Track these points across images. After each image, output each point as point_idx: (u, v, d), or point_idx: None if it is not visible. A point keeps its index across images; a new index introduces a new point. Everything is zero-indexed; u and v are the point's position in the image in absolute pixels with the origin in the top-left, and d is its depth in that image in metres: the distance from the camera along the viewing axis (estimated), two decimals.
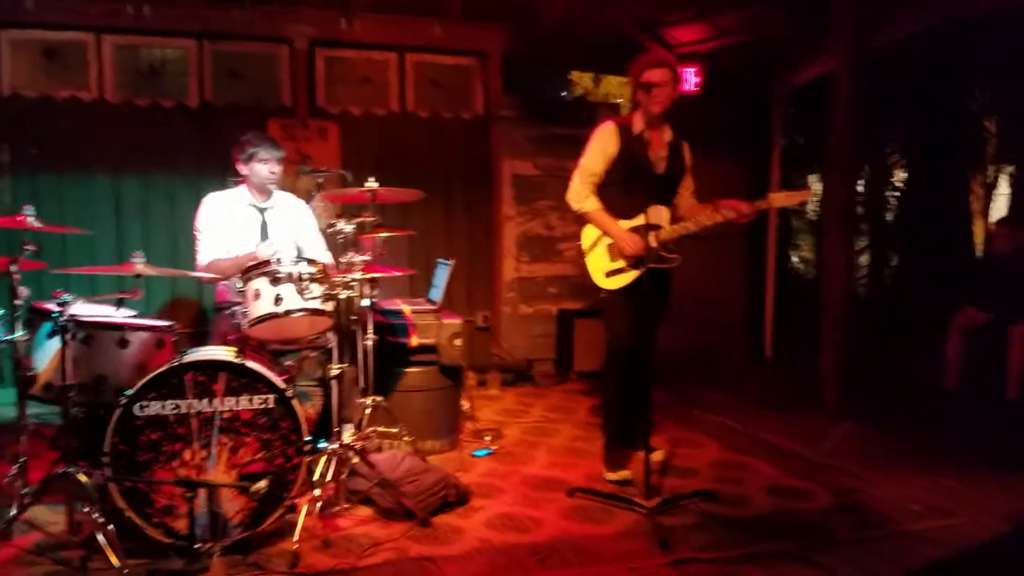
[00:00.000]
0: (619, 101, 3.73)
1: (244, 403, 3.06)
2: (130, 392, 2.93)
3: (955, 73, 6.78)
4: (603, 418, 4.01)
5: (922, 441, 4.32)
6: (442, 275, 4.52)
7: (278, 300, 3.22)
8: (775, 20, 5.74)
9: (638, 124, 3.75)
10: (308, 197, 4.35)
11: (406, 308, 4.31)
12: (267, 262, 3.28)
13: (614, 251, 3.74)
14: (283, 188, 4.18)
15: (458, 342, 4.27)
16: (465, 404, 4.56)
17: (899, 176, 8.08)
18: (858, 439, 4.40)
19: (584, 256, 3.86)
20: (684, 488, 3.64)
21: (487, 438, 4.43)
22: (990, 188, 7.60)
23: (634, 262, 3.67)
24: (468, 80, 6.30)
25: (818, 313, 5.06)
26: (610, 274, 3.76)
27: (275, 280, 3.23)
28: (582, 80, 8.06)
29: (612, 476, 3.79)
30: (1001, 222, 5.47)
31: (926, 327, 5.87)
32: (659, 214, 3.67)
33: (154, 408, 2.96)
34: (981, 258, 7.08)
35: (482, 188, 6.30)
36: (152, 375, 2.97)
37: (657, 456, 3.80)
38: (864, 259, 8.07)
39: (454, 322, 4.31)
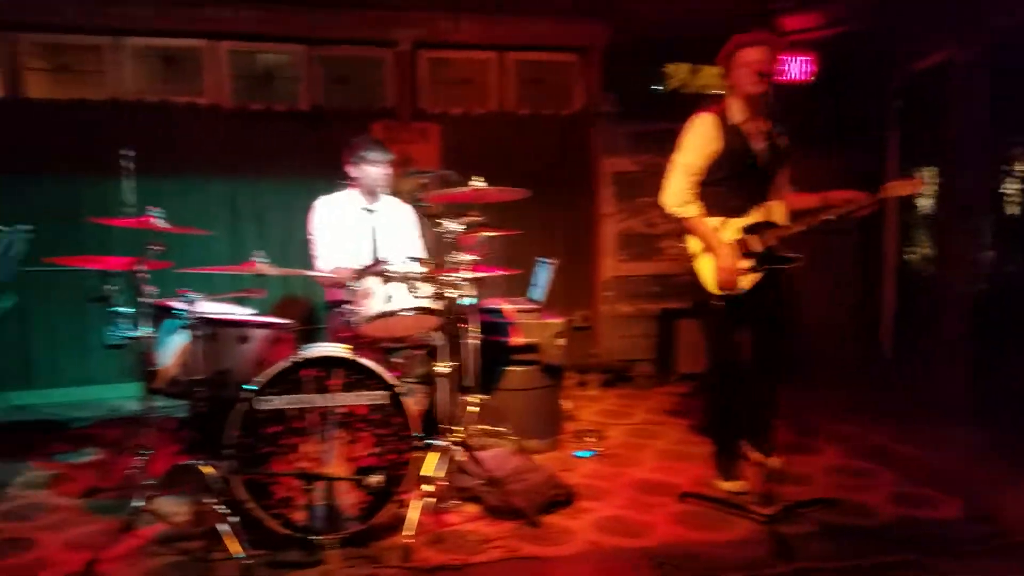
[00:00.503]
0: (719, 93, 3.60)
1: (358, 399, 3.12)
2: (252, 387, 3.02)
3: None
4: (711, 425, 3.88)
5: None
6: (543, 274, 4.49)
7: (389, 299, 3.26)
8: (891, 6, 5.48)
9: (735, 113, 3.53)
10: (410, 198, 4.40)
11: (508, 307, 4.30)
12: (379, 261, 3.34)
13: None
14: (387, 189, 4.26)
15: (560, 341, 4.25)
16: (566, 404, 4.52)
17: (1021, 168, 7.57)
18: (986, 445, 4.14)
19: (693, 259, 3.63)
20: (800, 495, 3.51)
21: (589, 439, 4.39)
22: None
23: (753, 264, 3.50)
24: (568, 77, 6.27)
25: (938, 312, 4.80)
26: None
27: (386, 279, 3.28)
28: (677, 72, 7.90)
29: (725, 486, 3.66)
30: None
31: None
32: (769, 211, 3.49)
33: (275, 402, 3.05)
34: None
35: (580, 186, 6.25)
36: (273, 371, 3.06)
37: (774, 463, 3.63)
38: (982, 255, 7.60)
39: (556, 321, 4.29)
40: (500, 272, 3.80)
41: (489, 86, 6.14)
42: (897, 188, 3.40)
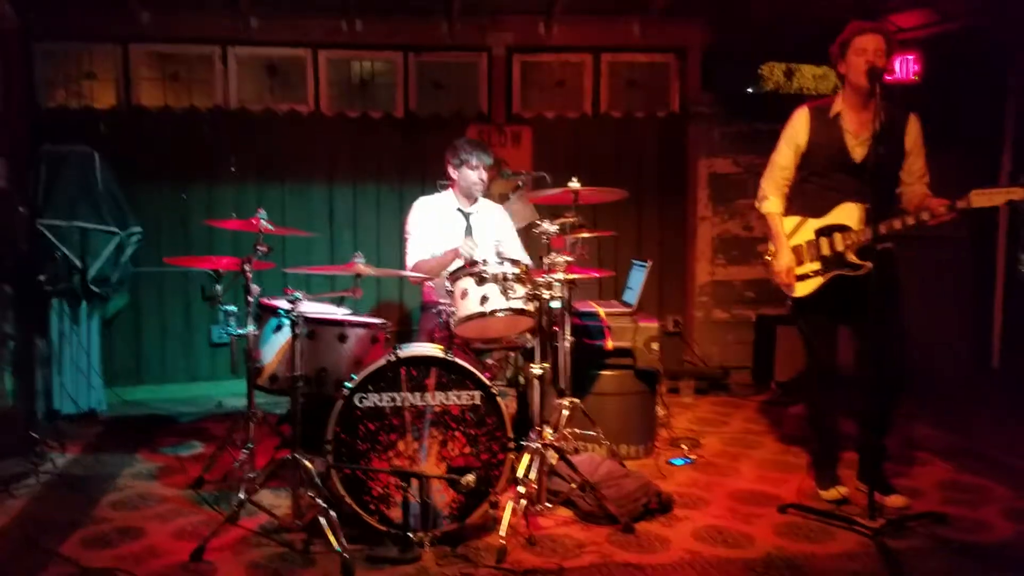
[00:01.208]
0: (824, 94, 3.48)
1: (453, 399, 3.14)
2: (351, 384, 3.08)
3: None
4: (810, 432, 3.74)
5: None
6: (638, 277, 4.43)
7: (484, 300, 3.28)
8: (1003, 2, 5.18)
9: (837, 104, 3.40)
10: (503, 200, 4.43)
11: (601, 310, 4.26)
12: (474, 263, 3.36)
13: (798, 253, 3.47)
14: (483, 192, 4.29)
15: (655, 346, 4.17)
16: (661, 411, 4.44)
17: None
18: None
19: (773, 259, 3.56)
20: (911, 509, 3.34)
21: (684, 447, 4.29)
22: None
23: (820, 268, 3.39)
24: (664, 78, 6.19)
25: None
26: (797, 279, 3.49)
27: (481, 280, 3.30)
28: (773, 74, 7.68)
29: (827, 495, 3.51)
30: None
31: None
32: (849, 213, 3.32)
33: (372, 400, 3.10)
34: None
35: (675, 188, 6.15)
36: (371, 369, 3.11)
37: (896, 502, 3.42)
38: None
39: (650, 325, 4.21)
40: (594, 274, 3.76)
41: (584, 89, 6.12)
42: (987, 198, 3.12)
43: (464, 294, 3.34)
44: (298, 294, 3.16)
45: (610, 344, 4.18)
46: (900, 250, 3.47)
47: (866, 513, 3.09)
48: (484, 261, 3.36)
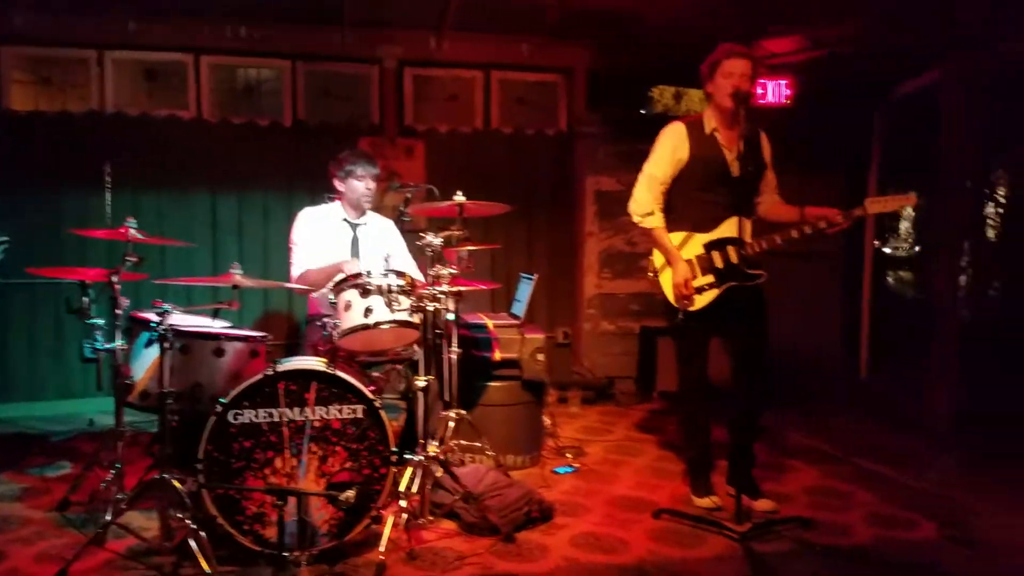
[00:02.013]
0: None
1: (334, 413, 3.10)
2: (225, 400, 2.99)
3: None
4: (683, 442, 3.86)
5: None
6: (525, 290, 4.49)
7: (368, 312, 3.26)
8: (875, 33, 5.53)
9: (709, 122, 3.52)
10: (395, 213, 4.40)
11: (490, 322, 4.29)
12: (358, 274, 3.33)
13: (692, 267, 3.51)
14: (371, 204, 4.26)
15: (541, 357, 4.23)
16: (547, 420, 4.50)
17: (1002, 193, 7.65)
18: (967, 469, 4.16)
19: (658, 273, 3.61)
20: (778, 513, 3.51)
21: (569, 455, 4.37)
22: None
23: (714, 281, 3.50)
24: (553, 96, 6.32)
25: (917, 330, 4.83)
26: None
27: (365, 292, 3.28)
28: (663, 96, 7.99)
29: (700, 502, 3.64)
30: None
31: None
32: (740, 226, 3.39)
33: (248, 416, 3.02)
34: None
35: (564, 204, 6.28)
36: (246, 384, 3.03)
37: (764, 506, 3.58)
38: (963, 280, 7.66)
39: (536, 337, 4.28)
40: (481, 286, 3.79)
41: (475, 105, 6.17)
42: (881, 205, 3.33)
43: (348, 306, 3.31)
44: (167, 306, 3.06)
45: (498, 355, 4.22)
46: (778, 265, 3.63)
47: (734, 517, 3.23)
48: (368, 273, 3.34)
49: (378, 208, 4.98)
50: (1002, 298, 7.19)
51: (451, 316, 3.75)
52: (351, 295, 3.30)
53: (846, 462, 4.36)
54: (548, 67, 6.21)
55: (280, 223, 5.58)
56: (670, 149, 3.54)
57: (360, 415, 3.12)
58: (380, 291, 3.27)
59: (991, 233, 7.56)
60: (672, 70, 6.45)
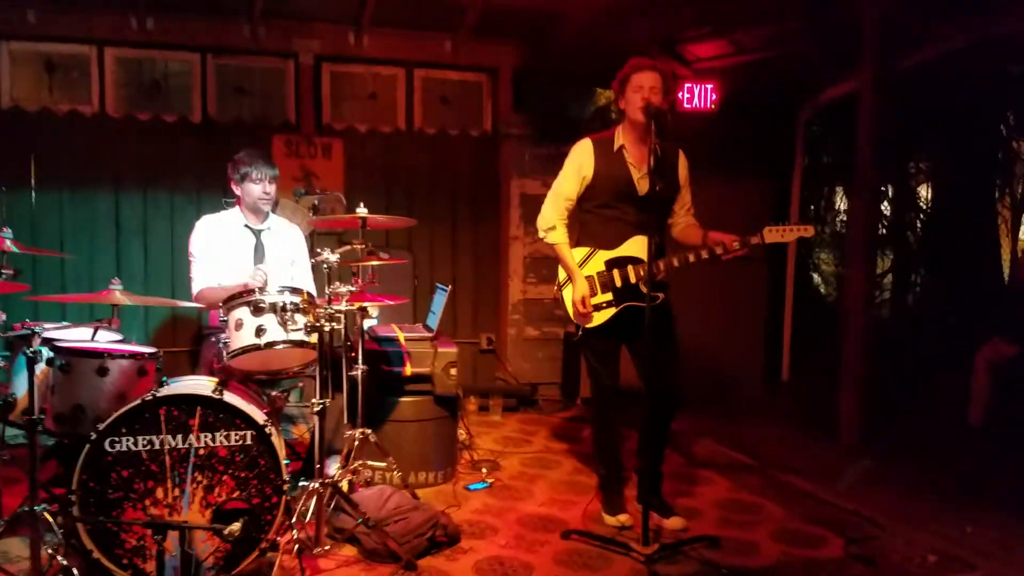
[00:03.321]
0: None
1: (221, 439, 2.93)
2: (100, 427, 2.81)
3: (984, 94, 6.53)
4: (595, 459, 3.80)
5: (943, 482, 4.08)
6: (440, 301, 4.36)
7: (260, 331, 3.11)
8: (796, 38, 5.54)
9: (619, 139, 3.46)
10: (300, 219, 4.24)
11: (401, 336, 4.16)
12: (250, 291, 3.16)
13: (590, 284, 3.47)
14: (286, 207, 4.07)
15: (453, 371, 4.11)
16: (462, 434, 4.39)
17: (924, 197, 7.81)
18: (876, 478, 4.18)
19: (561, 288, 3.57)
20: (688, 531, 3.46)
21: (484, 470, 4.27)
22: (1018, 212, 7.32)
23: (612, 299, 3.45)
24: (477, 97, 6.18)
25: (836, 334, 4.85)
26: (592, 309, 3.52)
27: (257, 310, 3.12)
28: (588, 96, 7.91)
29: (611, 521, 3.57)
30: None
31: (950, 356, 5.62)
32: (640, 245, 3.35)
33: (126, 444, 2.84)
34: (1012, 287, 6.79)
35: (489, 207, 6.16)
36: (124, 410, 2.85)
37: (675, 524, 3.54)
38: (886, 282, 7.82)
39: (449, 351, 4.15)
40: (387, 301, 3.63)
41: (397, 103, 6.00)
42: (779, 234, 3.30)
43: (239, 324, 3.14)
44: (44, 324, 2.85)
45: (408, 370, 4.09)
46: (701, 269, 3.56)
47: (642, 538, 3.16)
48: (262, 289, 3.18)
49: (292, 213, 4.82)
50: (920, 300, 7.36)
51: (354, 332, 3.60)
52: (242, 313, 3.14)
53: (759, 472, 4.35)
54: (472, 66, 6.06)
55: (188, 224, 5.29)
56: (576, 167, 3.50)
57: (249, 441, 2.96)
58: (273, 309, 3.11)
59: (911, 237, 7.75)
60: (599, 72, 6.38)
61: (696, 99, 5.88)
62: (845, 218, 8.17)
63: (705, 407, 5.32)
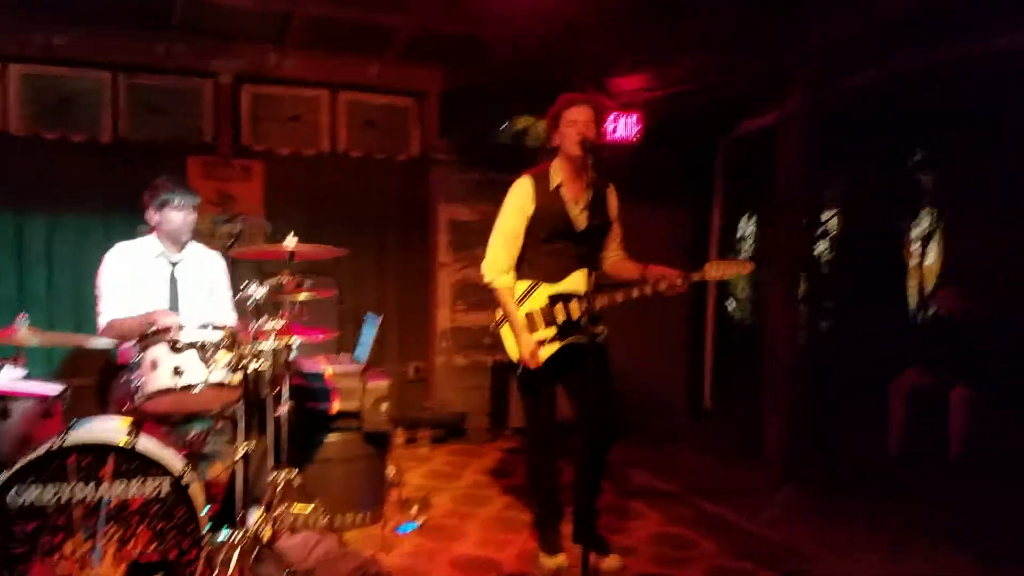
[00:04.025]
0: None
1: (135, 489, 2.74)
2: (3, 476, 2.58)
3: (893, 126, 6.82)
4: (531, 498, 3.73)
5: (866, 513, 4.15)
6: (370, 332, 4.22)
7: (178, 371, 2.91)
8: (718, 70, 5.66)
9: (555, 174, 3.44)
10: (220, 247, 4.03)
11: (328, 370, 4.00)
12: (168, 328, 2.97)
13: (532, 320, 3.43)
14: (202, 233, 3.88)
15: (384, 407, 3.98)
16: (391, 471, 4.25)
17: (834, 227, 8.07)
18: (802, 509, 4.24)
19: (499, 326, 3.52)
20: (625, 569, 3.43)
21: (414, 509, 4.13)
22: (925, 243, 7.65)
23: (555, 335, 3.40)
24: (404, 121, 6.06)
25: (755, 360, 4.93)
26: None
27: (175, 348, 2.93)
28: (517, 124, 7.87)
29: (548, 562, 3.48)
30: (947, 281, 5.32)
31: (864, 386, 5.79)
32: (581, 280, 3.26)
33: (30, 496, 2.62)
34: (923, 317, 7.08)
35: (417, 233, 6.02)
36: (28, 459, 2.63)
37: (611, 564, 3.47)
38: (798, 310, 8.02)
39: (380, 384, 4.01)
40: (317, 335, 3.48)
41: (321, 126, 5.82)
42: (721, 271, 3.36)
43: (154, 364, 2.94)
44: None
45: (336, 407, 3.93)
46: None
47: None
48: (180, 326, 3.00)
49: (210, 238, 4.61)
50: (833, 328, 7.59)
51: (279, 370, 3.42)
52: (159, 352, 2.94)
53: (689, 504, 4.36)
54: (400, 90, 5.95)
55: (97, 251, 4.99)
56: (518, 206, 3.45)
57: (166, 491, 2.77)
58: (193, 347, 2.93)
59: (823, 266, 7.99)
60: (527, 98, 6.38)
61: (620, 130, 5.95)
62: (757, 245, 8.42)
63: (631, 435, 5.30)
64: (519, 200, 3.44)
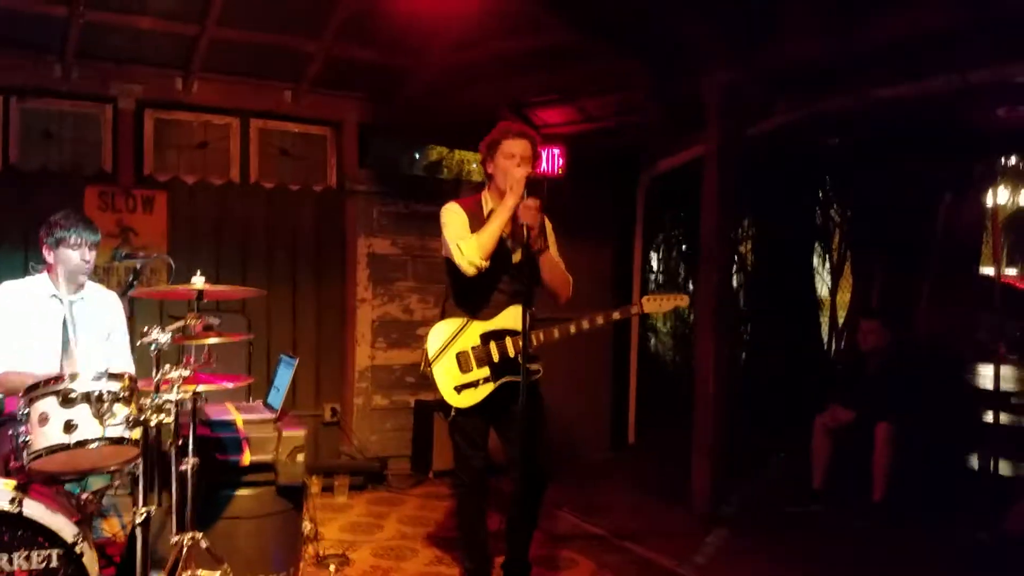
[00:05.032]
0: (481, 181, 3.47)
1: (20, 562, 2.44)
2: None
3: (804, 164, 7.02)
4: (460, 552, 3.54)
5: (797, 556, 4.13)
6: (286, 375, 3.93)
7: (70, 427, 2.61)
8: (638, 108, 5.70)
9: (487, 205, 3.30)
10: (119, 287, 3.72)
11: (239, 418, 3.69)
12: (58, 378, 2.66)
13: (465, 360, 3.27)
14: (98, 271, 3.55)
15: (300, 457, 3.68)
16: (307, 526, 3.96)
17: (750, 262, 8.25)
18: (732, 552, 4.19)
19: (430, 365, 3.31)
20: None
21: (331, 567, 3.84)
22: (836, 277, 7.88)
23: (489, 375, 3.24)
24: (321, 150, 5.84)
25: (678, 396, 4.89)
26: (461, 388, 3.27)
27: (67, 401, 2.62)
28: (439, 155, 7.73)
29: None
30: (869, 316, 5.38)
31: (785, 421, 5.84)
32: (516, 316, 3.12)
33: None
34: (844, 352, 7.25)
35: (334, 267, 5.76)
36: None
37: None
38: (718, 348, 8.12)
39: (296, 434, 3.71)
40: (226, 384, 3.20)
41: (230, 153, 5.53)
42: (657, 305, 3.30)
43: (43, 418, 2.63)
44: None
45: (247, 459, 3.62)
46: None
47: None
48: (73, 376, 2.69)
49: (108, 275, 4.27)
50: (749, 364, 7.69)
51: (183, 421, 3.13)
52: (48, 404, 2.63)
53: (619, 549, 4.25)
54: (315, 119, 5.72)
55: None
56: (461, 221, 3.26)
57: (55, 563, 2.46)
58: (87, 399, 2.63)
59: (741, 301, 8.13)
60: (448, 129, 6.26)
61: (544, 163, 5.88)
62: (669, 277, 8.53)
63: (557, 475, 5.16)
64: (459, 218, 3.26)
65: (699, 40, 4.60)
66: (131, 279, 3.76)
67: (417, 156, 6.29)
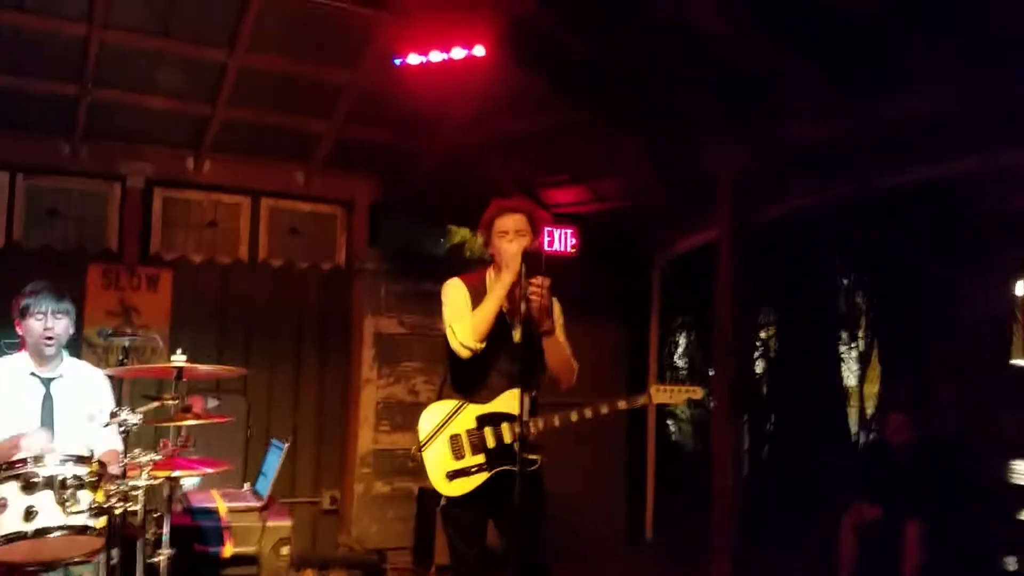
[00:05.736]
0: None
1: None
2: None
3: (824, 248, 6.88)
4: None
5: None
6: (274, 461, 3.76)
7: (30, 514, 2.45)
8: (650, 190, 5.63)
9: (490, 282, 3.15)
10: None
11: (223, 506, 3.50)
12: (20, 461, 2.51)
13: (458, 445, 3.06)
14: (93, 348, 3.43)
15: (285, 551, 3.48)
16: None
17: (773, 349, 8.01)
18: None
19: (422, 449, 3.09)
20: None
21: None
22: (864, 366, 7.60)
23: (484, 463, 3.03)
24: (330, 229, 5.79)
25: (698, 486, 4.62)
26: (453, 475, 3.04)
27: (28, 486, 2.47)
28: (449, 234, 7.72)
29: None
30: (898, 409, 5.12)
31: (811, 517, 5.51)
32: (515, 400, 2.91)
33: None
34: (872, 446, 6.94)
35: (339, 347, 5.63)
36: None
37: None
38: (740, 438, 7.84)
39: (282, 524, 3.53)
40: (205, 469, 3.02)
41: (240, 232, 5.50)
42: (667, 395, 3.10)
43: (2, 505, 2.47)
44: None
45: (228, 551, 3.41)
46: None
47: None
48: (38, 459, 2.54)
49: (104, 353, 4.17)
50: (772, 456, 7.36)
51: (157, 508, 2.95)
52: (8, 489, 2.49)
53: None
54: (326, 198, 5.71)
55: None
56: (462, 297, 3.13)
57: None
58: (51, 485, 2.47)
59: (764, 390, 7.85)
60: (460, 209, 6.21)
61: (556, 243, 5.79)
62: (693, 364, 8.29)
63: (563, 570, 4.83)
64: (460, 294, 3.13)
65: (706, 121, 4.55)
66: (121, 358, 3.65)
67: (429, 235, 6.23)
